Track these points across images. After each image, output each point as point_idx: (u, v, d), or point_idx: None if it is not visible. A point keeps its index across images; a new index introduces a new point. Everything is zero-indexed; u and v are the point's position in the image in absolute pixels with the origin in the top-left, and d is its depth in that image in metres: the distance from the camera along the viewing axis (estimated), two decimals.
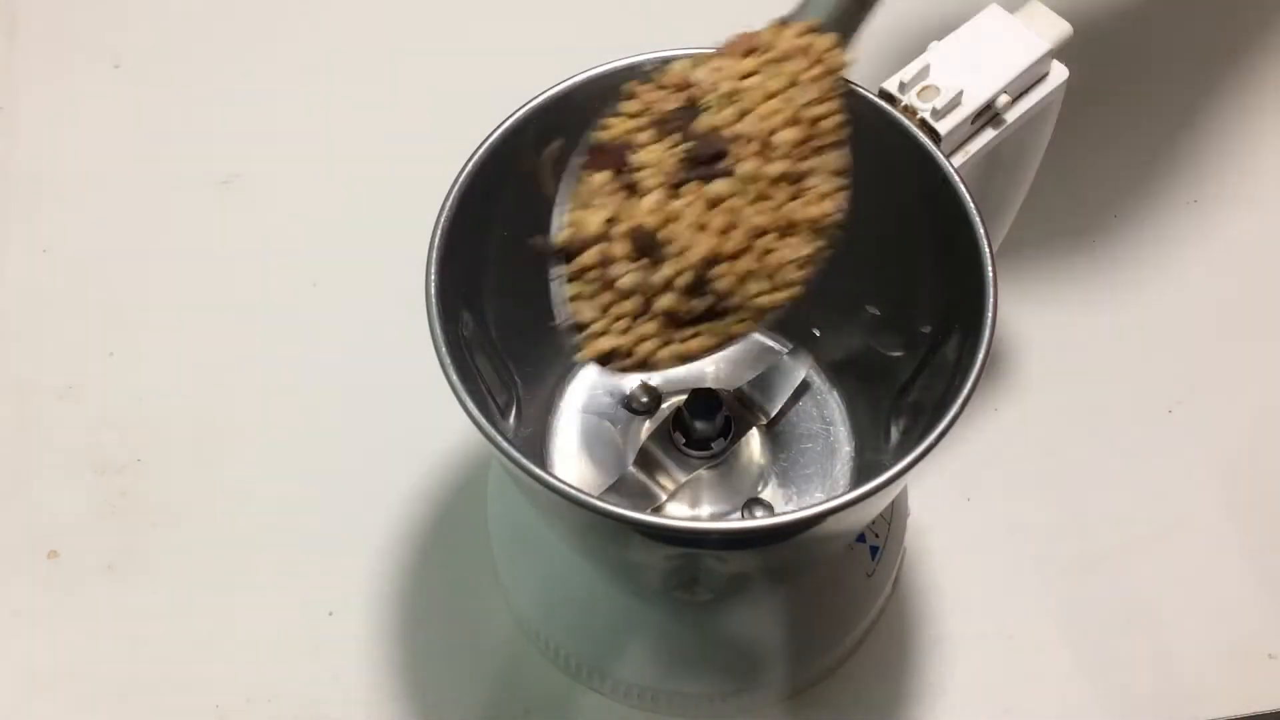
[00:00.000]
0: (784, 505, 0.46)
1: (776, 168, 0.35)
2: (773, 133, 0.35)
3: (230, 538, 0.52)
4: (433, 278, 0.38)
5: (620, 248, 0.35)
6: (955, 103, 0.42)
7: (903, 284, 0.44)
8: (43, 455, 0.54)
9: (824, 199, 0.35)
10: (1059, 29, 0.44)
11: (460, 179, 0.39)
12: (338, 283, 0.58)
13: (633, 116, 0.37)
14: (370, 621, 0.51)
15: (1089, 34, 0.46)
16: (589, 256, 0.35)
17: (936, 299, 0.42)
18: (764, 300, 0.35)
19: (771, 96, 0.36)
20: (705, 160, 0.35)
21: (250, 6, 0.66)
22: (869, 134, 0.41)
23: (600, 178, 0.36)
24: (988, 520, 0.53)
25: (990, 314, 0.37)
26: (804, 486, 0.47)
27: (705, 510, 0.46)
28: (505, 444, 0.35)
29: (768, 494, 0.46)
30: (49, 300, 0.58)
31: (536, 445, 0.48)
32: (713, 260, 0.34)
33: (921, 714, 0.49)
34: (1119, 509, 0.53)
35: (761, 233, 0.34)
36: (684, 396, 0.46)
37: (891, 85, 0.42)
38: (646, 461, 0.46)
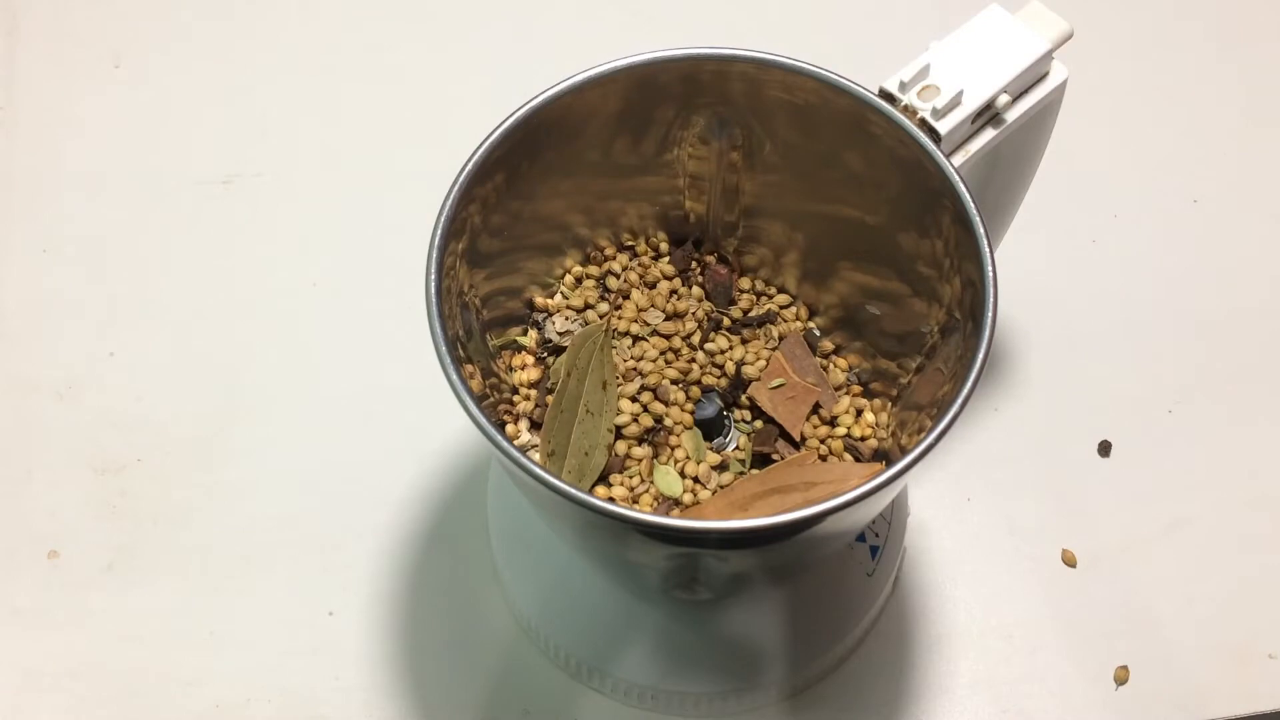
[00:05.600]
0: None
1: None
2: None
3: (230, 537, 0.52)
4: (432, 278, 0.38)
5: None
6: (955, 102, 0.42)
7: (903, 284, 0.44)
8: (43, 455, 0.54)
9: None
10: (1059, 29, 0.44)
11: (460, 180, 0.39)
12: (338, 283, 0.58)
13: None
14: (370, 621, 0.51)
15: (1089, 34, 0.46)
16: None
17: (937, 299, 0.42)
18: None
19: None
20: None
21: (250, 7, 0.66)
22: (869, 134, 0.41)
23: None
24: (988, 520, 0.53)
25: (990, 314, 0.37)
26: None
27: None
28: (505, 444, 0.35)
29: None
30: (49, 300, 0.58)
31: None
32: None
33: (921, 713, 0.49)
34: (1119, 509, 0.53)
35: None
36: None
37: (891, 85, 0.42)
38: None
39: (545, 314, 0.47)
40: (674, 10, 0.66)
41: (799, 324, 0.47)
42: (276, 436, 0.55)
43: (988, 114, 0.43)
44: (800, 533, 0.36)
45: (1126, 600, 0.51)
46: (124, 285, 0.58)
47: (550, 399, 0.44)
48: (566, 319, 0.47)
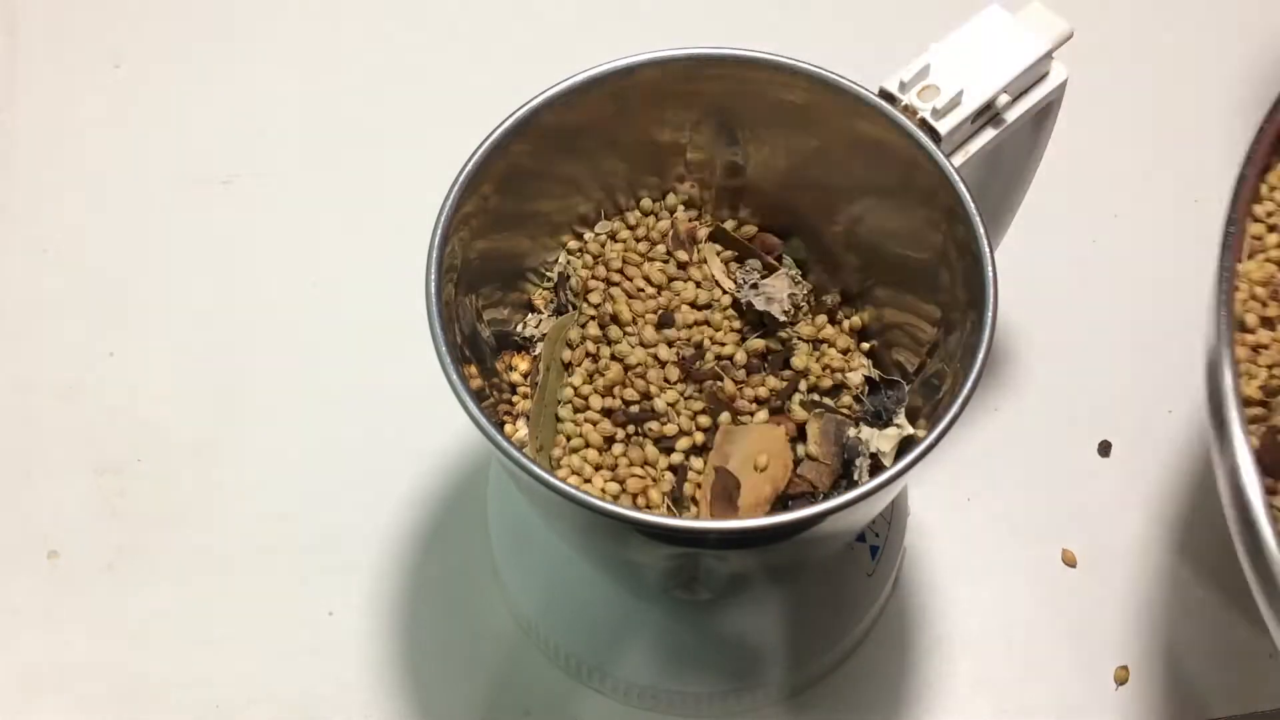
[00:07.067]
0: None
1: None
2: None
3: (230, 538, 0.52)
4: (432, 278, 0.38)
5: None
6: (955, 102, 0.42)
7: (902, 284, 0.44)
8: (43, 455, 0.54)
9: None
10: (1059, 29, 0.44)
11: (460, 179, 0.39)
12: (338, 283, 0.58)
13: None
14: (370, 621, 0.51)
15: (1089, 34, 0.46)
16: None
17: (937, 299, 0.42)
18: None
19: None
20: None
21: (250, 7, 0.66)
22: (869, 134, 0.41)
23: None
24: (988, 520, 0.53)
25: (990, 314, 0.37)
26: None
27: None
28: (505, 444, 0.35)
29: None
30: (49, 300, 0.58)
31: None
32: None
33: (921, 714, 0.49)
34: (1119, 509, 0.53)
35: None
36: None
37: (891, 85, 0.42)
38: None
39: (544, 312, 0.47)
40: (674, 10, 0.66)
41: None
42: (276, 436, 0.55)
43: (988, 114, 0.43)
44: (800, 533, 0.36)
45: (1126, 600, 0.51)
46: (124, 285, 0.58)
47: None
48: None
